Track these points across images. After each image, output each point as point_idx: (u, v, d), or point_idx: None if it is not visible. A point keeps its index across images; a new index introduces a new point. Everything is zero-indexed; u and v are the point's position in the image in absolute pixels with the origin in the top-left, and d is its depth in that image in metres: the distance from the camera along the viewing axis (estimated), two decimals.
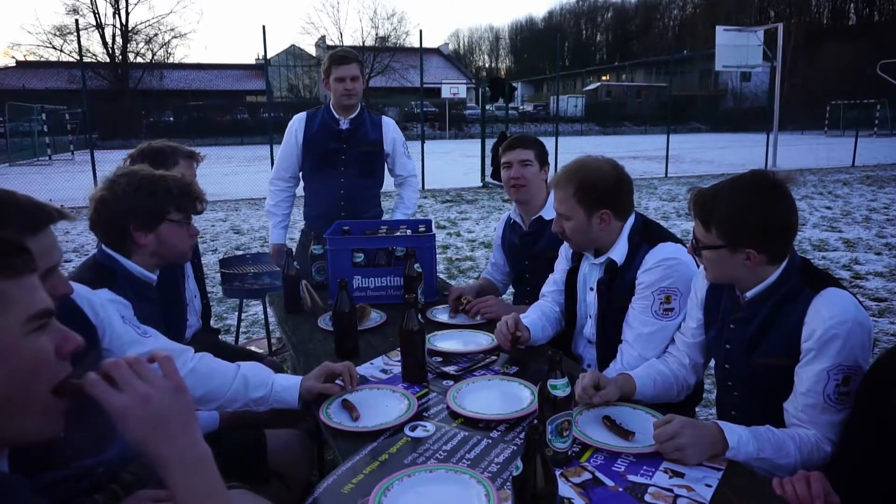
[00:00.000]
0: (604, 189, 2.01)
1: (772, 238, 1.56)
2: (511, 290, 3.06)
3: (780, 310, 1.58)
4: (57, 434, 0.88)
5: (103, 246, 1.79)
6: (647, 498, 1.31)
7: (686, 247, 2.06)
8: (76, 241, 8.56)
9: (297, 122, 3.42)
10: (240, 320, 4.33)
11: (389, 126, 3.51)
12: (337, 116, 3.36)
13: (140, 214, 1.76)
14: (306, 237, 3.50)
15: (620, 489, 1.35)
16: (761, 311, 1.61)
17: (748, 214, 1.53)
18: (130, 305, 1.66)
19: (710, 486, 1.35)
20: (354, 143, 3.38)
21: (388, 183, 3.65)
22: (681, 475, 1.39)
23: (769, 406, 1.60)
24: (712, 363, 1.88)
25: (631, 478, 1.39)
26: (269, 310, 3.94)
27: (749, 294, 1.64)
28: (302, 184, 3.55)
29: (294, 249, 3.26)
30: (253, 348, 3.74)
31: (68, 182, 11.91)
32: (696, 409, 2.18)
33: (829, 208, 10.63)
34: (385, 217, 3.65)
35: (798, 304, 1.55)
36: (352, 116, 3.36)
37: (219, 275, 4.71)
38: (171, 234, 1.82)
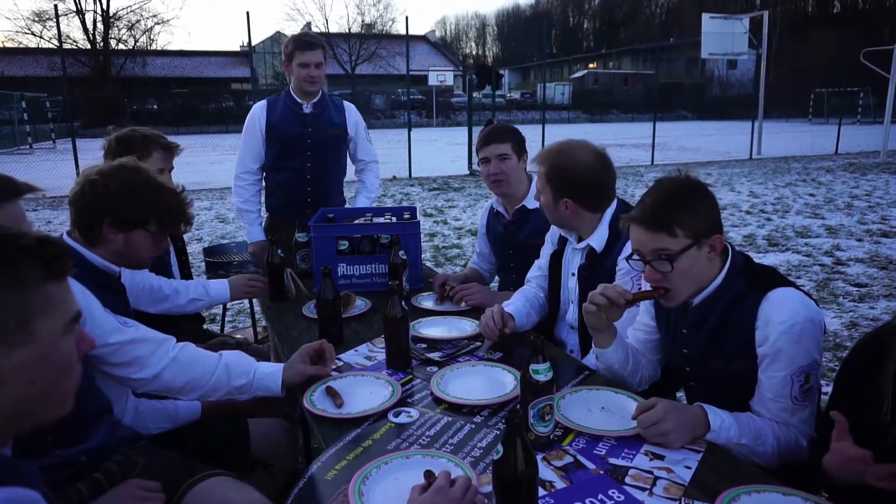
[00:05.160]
0: (572, 179, 2.04)
1: (720, 223, 1.60)
2: (497, 278, 3.07)
3: (729, 314, 1.60)
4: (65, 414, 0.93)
5: (65, 235, 1.74)
6: (628, 480, 1.33)
7: None
8: (59, 231, 8.45)
9: (259, 109, 3.37)
10: (225, 309, 4.31)
11: (351, 110, 3.48)
12: (299, 101, 3.32)
13: (120, 213, 1.70)
14: (268, 231, 3.44)
15: (601, 472, 1.36)
16: (711, 315, 1.62)
17: (699, 206, 1.57)
18: (90, 294, 1.58)
19: (689, 467, 1.37)
20: (319, 127, 3.34)
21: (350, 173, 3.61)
22: (661, 457, 1.41)
23: (734, 402, 1.60)
24: None
25: (612, 460, 1.40)
26: (254, 298, 3.92)
27: (696, 300, 1.64)
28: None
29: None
30: (239, 336, 3.73)
31: (49, 171, 11.70)
32: (679, 395, 2.20)
33: (812, 195, 10.74)
34: (347, 204, 3.61)
35: (746, 307, 1.57)
36: (314, 101, 3.33)
37: (204, 263, 4.67)
38: (140, 242, 1.75)
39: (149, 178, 1.76)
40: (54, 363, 0.87)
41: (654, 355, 1.88)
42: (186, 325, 2.63)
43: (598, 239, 2.07)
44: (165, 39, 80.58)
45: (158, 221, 1.76)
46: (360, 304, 2.48)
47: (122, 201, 1.69)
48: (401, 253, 2.52)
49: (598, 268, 2.09)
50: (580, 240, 2.15)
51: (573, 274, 2.19)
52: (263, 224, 3.52)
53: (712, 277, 1.61)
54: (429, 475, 1.18)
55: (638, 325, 1.90)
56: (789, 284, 1.58)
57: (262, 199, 3.57)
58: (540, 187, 2.14)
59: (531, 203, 2.59)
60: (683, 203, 1.57)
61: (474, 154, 14.11)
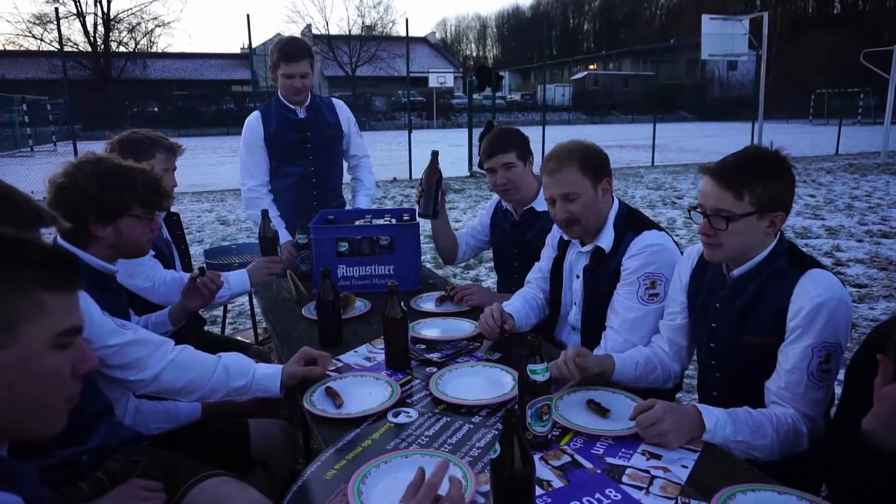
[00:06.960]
0: (601, 158, 2.09)
1: (790, 203, 1.64)
2: (494, 276, 3.08)
3: (766, 288, 1.62)
4: (57, 431, 0.91)
5: (59, 238, 1.71)
6: (625, 479, 1.34)
7: (669, 235, 2.09)
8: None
9: (255, 120, 3.35)
10: (225, 311, 4.33)
11: (342, 107, 3.52)
12: (292, 107, 3.33)
13: (100, 207, 1.68)
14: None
15: (599, 471, 1.37)
16: (748, 289, 1.65)
17: (775, 178, 1.59)
18: (88, 296, 1.57)
19: (686, 466, 1.38)
20: (316, 129, 3.36)
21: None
22: (658, 457, 1.42)
23: (751, 387, 1.63)
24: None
25: (609, 460, 1.41)
26: (254, 299, 3.93)
27: (736, 272, 1.67)
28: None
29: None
30: (239, 338, 3.74)
31: (50, 174, 11.72)
32: (678, 396, 2.21)
33: (812, 196, 10.74)
34: (347, 205, 3.64)
35: (785, 283, 1.59)
36: (306, 104, 3.35)
37: (205, 265, 4.69)
38: (132, 229, 1.74)
39: (114, 164, 1.74)
40: (36, 373, 0.84)
41: (682, 341, 1.90)
42: (187, 326, 2.64)
43: (606, 240, 2.10)
44: (166, 42, 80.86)
45: (140, 202, 1.74)
46: (360, 305, 2.49)
47: (97, 194, 1.67)
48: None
49: (602, 268, 2.11)
50: (584, 243, 2.17)
51: (578, 276, 2.20)
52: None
53: (759, 251, 1.64)
54: None
55: (666, 312, 1.94)
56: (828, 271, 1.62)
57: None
58: (575, 188, 2.09)
59: (540, 206, 2.59)
60: (760, 171, 1.59)
61: (475, 155, 14.12)
